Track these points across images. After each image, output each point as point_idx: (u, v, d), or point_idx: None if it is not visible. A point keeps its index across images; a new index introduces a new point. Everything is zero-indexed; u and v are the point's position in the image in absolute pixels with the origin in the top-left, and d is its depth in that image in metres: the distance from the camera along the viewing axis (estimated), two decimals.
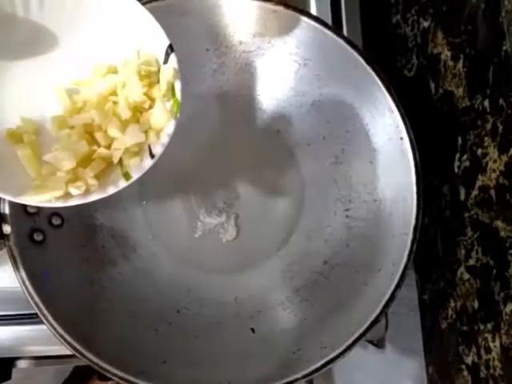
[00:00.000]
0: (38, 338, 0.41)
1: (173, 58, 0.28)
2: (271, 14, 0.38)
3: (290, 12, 0.38)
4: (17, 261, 0.35)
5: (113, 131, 0.29)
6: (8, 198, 0.27)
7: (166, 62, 0.29)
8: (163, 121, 0.28)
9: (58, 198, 0.28)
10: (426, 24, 0.45)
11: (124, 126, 0.29)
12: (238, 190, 0.44)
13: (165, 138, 0.28)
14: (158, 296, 0.41)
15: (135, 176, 0.28)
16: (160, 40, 0.29)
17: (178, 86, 0.28)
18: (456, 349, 0.43)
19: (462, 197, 0.41)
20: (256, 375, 0.36)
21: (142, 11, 0.29)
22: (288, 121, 0.44)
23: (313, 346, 0.36)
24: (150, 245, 0.43)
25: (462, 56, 0.39)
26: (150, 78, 0.29)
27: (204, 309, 0.41)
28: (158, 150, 0.28)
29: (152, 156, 0.28)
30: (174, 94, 0.28)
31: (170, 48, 0.28)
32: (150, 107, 0.29)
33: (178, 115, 0.28)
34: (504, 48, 0.33)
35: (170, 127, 0.28)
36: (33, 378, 0.48)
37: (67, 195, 0.29)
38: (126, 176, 0.28)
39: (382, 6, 0.54)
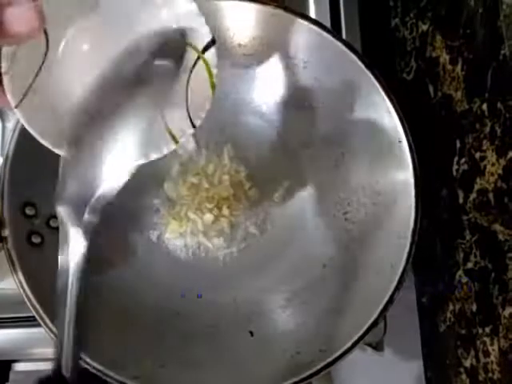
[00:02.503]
0: (35, 341, 0.41)
1: (212, 49, 0.30)
2: (271, 17, 0.38)
3: (289, 15, 0.38)
4: (15, 263, 0.35)
5: None
6: None
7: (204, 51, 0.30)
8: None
9: None
10: (424, 27, 0.45)
11: None
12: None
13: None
14: (157, 299, 0.41)
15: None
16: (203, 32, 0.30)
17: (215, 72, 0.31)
18: (454, 352, 0.43)
19: (461, 200, 0.41)
20: (255, 378, 0.36)
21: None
22: (287, 124, 0.44)
23: (312, 348, 0.36)
24: (148, 249, 0.43)
25: (460, 60, 0.40)
26: None
27: (203, 311, 0.41)
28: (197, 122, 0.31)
29: (194, 126, 0.31)
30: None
31: (213, 41, 0.30)
32: None
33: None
34: (502, 52, 0.33)
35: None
36: (30, 380, 0.47)
37: None
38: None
39: (380, 9, 0.54)
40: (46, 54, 0.28)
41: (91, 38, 0.30)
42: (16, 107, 0.27)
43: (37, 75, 0.28)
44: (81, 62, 0.30)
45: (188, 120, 0.31)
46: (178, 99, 0.30)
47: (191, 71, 0.30)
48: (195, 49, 0.31)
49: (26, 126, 0.27)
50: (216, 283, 0.42)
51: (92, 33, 0.29)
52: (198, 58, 0.31)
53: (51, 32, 0.27)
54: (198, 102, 0.30)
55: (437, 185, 0.44)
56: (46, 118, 0.29)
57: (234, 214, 0.44)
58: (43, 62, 0.28)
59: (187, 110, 0.31)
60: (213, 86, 0.31)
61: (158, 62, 0.30)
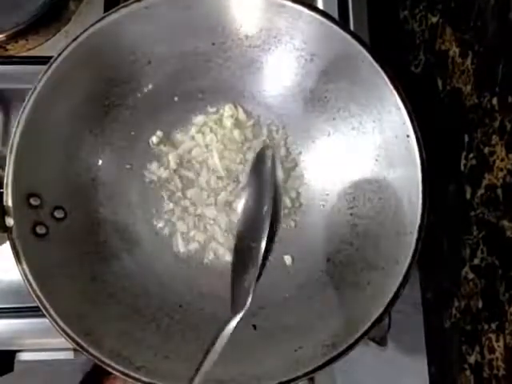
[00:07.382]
0: (39, 331, 0.41)
1: None
2: (278, 8, 0.38)
3: (297, 6, 0.37)
4: (19, 254, 0.35)
5: None
6: None
7: None
8: None
9: None
10: (434, 20, 0.45)
11: None
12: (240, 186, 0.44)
13: None
14: (160, 291, 0.41)
15: None
16: None
17: None
18: (459, 348, 0.43)
19: (468, 195, 0.40)
20: (257, 372, 0.35)
21: None
22: (293, 117, 0.44)
23: (315, 343, 0.36)
24: (153, 240, 0.43)
25: (470, 53, 0.39)
26: None
27: (206, 304, 0.41)
28: None
29: None
30: None
31: None
32: None
33: None
34: None
35: None
36: (34, 370, 0.48)
37: None
38: None
39: (389, 1, 0.53)
40: None
41: None
42: None
43: None
44: None
45: None
46: None
47: None
48: None
49: None
50: (219, 278, 0.42)
51: None
52: None
53: None
54: None
55: (444, 180, 0.44)
56: None
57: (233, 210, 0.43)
58: None
59: None
60: None
61: None
